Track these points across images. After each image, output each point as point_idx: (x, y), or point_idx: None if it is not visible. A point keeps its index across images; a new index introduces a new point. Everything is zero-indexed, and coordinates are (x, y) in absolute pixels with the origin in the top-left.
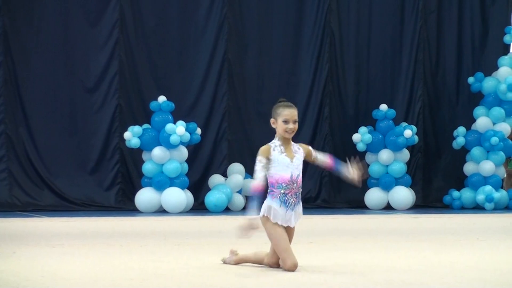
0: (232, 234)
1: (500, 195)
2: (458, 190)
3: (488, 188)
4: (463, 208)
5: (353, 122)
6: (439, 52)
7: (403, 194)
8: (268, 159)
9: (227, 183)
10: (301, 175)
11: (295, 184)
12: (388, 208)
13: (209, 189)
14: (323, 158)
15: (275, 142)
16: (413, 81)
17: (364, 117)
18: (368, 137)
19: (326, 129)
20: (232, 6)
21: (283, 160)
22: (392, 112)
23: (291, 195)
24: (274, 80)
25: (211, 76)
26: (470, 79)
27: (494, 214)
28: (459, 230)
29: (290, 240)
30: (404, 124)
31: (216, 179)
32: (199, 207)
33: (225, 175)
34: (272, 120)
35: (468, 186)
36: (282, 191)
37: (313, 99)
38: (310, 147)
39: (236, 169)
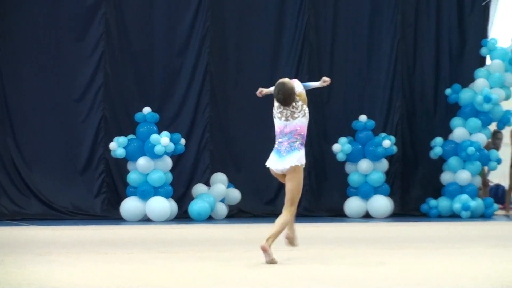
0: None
1: (476, 203)
2: (435, 198)
3: (465, 197)
4: (440, 216)
5: (333, 132)
6: (417, 64)
7: (382, 203)
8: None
9: (210, 192)
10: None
11: (286, 137)
12: (367, 216)
13: (192, 198)
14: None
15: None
16: (391, 93)
17: (343, 127)
18: (347, 147)
19: (306, 139)
20: (214, 21)
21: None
22: (372, 123)
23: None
24: (254, 91)
25: (194, 88)
26: (448, 91)
27: (470, 222)
28: (436, 238)
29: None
30: (383, 134)
31: (199, 188)
32: (182, 216)
33: (208, 184)
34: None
35: (445, 195)
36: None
37: None
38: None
39: (219, 179)
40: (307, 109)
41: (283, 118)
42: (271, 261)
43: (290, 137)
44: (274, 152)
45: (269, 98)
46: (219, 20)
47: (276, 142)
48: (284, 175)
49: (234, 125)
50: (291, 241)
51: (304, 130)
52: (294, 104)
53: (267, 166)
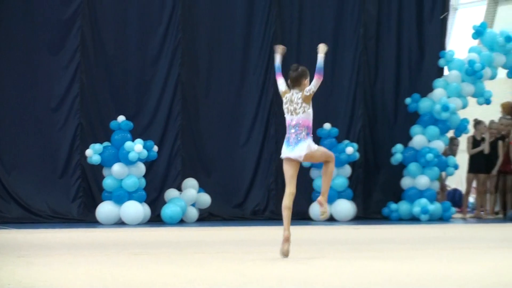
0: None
1: (435, 207)
2: (396, 202)
3: (424, 200)
4: (401, 220)
5: None
6: (378, 75)
7: (345, 207)
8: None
9: (181, 197)
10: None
11: (294, 129)
12: (331, 219)
13: (165, 203)
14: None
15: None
16: (354, 102)
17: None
18: None
19: (272, 147)
20: (185, 32)
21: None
22: (335, 130)
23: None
24: (223, 101)
25: (166, 97)
26: (407, 100)
27: (429, 225)
28: (396, 240)
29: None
30: (346, 141)
31: (171, 193)
32: (155, 219)
33: (179, 189)
34: (306, 80)
35: (405, 199)
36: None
37: (259, 119)
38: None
39: (190, 184)
40: (307, 106)
41: (289, 113)
42: (324, 212)
43: (296, 129)
44: (284, 143)
45: (238, 107)
46: (190, 32)
47: (286, 134)
48: (292, 163)
49: (204, 132)
50: (324, 211)
51: (307, 123)
52: (297, 101)
53: (282, 157)
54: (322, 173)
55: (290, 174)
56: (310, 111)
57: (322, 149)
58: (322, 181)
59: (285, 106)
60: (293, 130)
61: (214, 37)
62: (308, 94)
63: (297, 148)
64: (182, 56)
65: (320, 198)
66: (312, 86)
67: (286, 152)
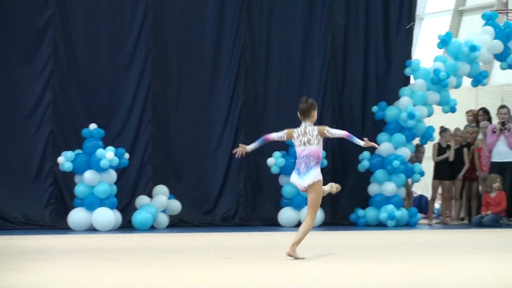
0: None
1: (401, 213)
2: (363, 208)
3: (390, 207)
4: (368, 225)
5: (267, 147)
6: (346, 83)
7: None
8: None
9: (152, 203)
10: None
11: (304, 159)
12: (300, 225)
13: (135, 209)
14: (337, 132)
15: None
16: (322, 110)
17: (277, 142)
18: (281, 161)
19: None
20: (156, 41)
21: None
22: None
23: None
24: (194, 109)
25: (137, 105)
26: (374, 108)
27: (395, 231)
28: (363, 246)
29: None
30: None
31: (142, 199)
32: (126, 226)
33: (150, 196)
34: (315, 111)
35: (372, 205)
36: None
37: (228, 127)
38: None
39: (161, 191)
40: (321, 139)
41: (302, 145)
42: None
43: (307, 159)
44: (295, 171)
45: (208, 115)
46: (161, 40)
47: (297, 163)
48: (305, 191)
49: (175, 139)
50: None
51: (318, 154)
52: (311, 133)
53: (293, 182)
54: (302, 224)
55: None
56: (321, 142)
57: (321, 191)
58: (298, 231)
59: (297, 139)
60: (303, 160)
61: (184, 46)
62: (327, 134)
63: (307, 177)
64: (153, 64)
65: (289, 251)
66: (333, 132)
67: (298, 181)
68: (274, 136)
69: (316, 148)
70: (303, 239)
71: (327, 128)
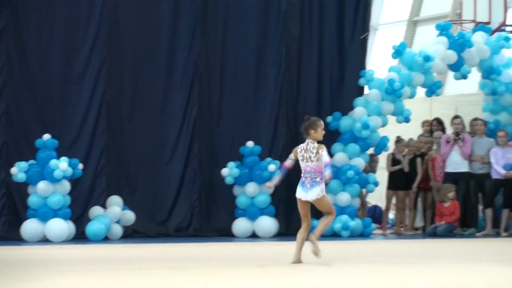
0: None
1: (355, 223)
2: (317, 219)
3: (345, 217)
4: (322, 236)
5: (222, 157)
6: (300, 93)
7: (268, 223)
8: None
9: (106, 214)
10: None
11: (308, 174)
12: (254, 236)
13: (89, 220)
14: (326, 159)
15: (307, 143)
16: (277, 120)
17: (232, 153)
18: (235, 171)
19: (196, 165)
20: (110, 52)
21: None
22: (258, 148)
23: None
24: (148, 119)
25: (91, 116)
26: (329, 118)
27: (349, 241)
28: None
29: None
30: (269, 159)
31: (96, 210)
32: (80, 236)
33: (104, 206)
34: (313, 130)
35: None
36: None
37: (183, 137)
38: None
39: (115, 201)
40: (319, 156)
41: (304, 160)
42: (315, 251)
43: (311, 174)
44: (300, 185)
45: (162, 126)
46: (115, 51)
47: (302, 176)
48: (306, 203)
49: (129, 150)
50: (316, 251)
51: (320, 169)
52: (312, 150)
53: (297, 196)
54: (322, 218)
55: (304, 213)
56: (321, 160)
57: (328, 200)
58: (319, 223)
59: (300, 154)
60: (308, 175)
61: (139, 56)
62: (319, 154)
63: (310, 192)
64: (107, 75)
65: (311, 236)
66: (323, 155)
67: (302, 194)
68: (288, 161)
69: (318, 164)
70: (323, 230)
71: (323, 149)
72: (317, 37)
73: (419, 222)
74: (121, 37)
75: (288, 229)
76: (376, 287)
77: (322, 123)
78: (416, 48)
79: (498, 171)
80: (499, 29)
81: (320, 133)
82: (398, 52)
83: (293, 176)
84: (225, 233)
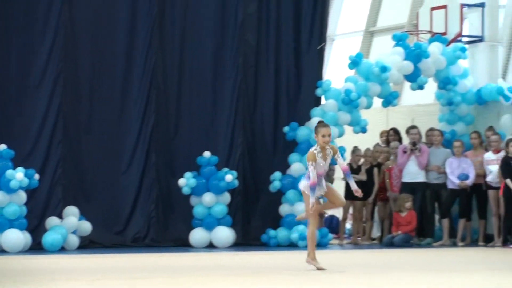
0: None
1: None
2: (275, 229)
3: (302, 227)
4: (279, 246)
5: (179, 167)
6: (257, 103)
7: (225, 233)
8: (315, 161)
9: (62, 224)
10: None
11: (323, 175)
12: (211, 246)
13: (46, 230)
14: (341, 162)
15: (317, 149)
16: (233, 130)
17: (189, 163)
18: (192, 182)
19: (152, 175)
20: (67, 62)
21: (320, 163)
22: (215, 158)
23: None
24: (104, 129)
25: (47, 126)
26: (286, 128)
27: (306, 251)
28: (274, 266)
29: (334, 194)
30: (226, 169)
31: (52, 221)
32: (36, 247)
33: (60, 217)
34: (314, 135)
35: (283, 225)
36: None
37: (140, 147)
38: (337, 149)
39: (71, 212)
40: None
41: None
42: (319, 268)
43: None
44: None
45: (119, 135)
46: (72, 61)
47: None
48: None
49: (86, 160)
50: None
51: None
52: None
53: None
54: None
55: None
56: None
57: (307, 199)
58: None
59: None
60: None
61: (95, 66)
62: (335, 156)
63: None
64: (64, 85)
65: (307, 258)
66: (340, 158)
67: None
68: (311, 175)
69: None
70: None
71: (338, 152)
72: (274, 47)
73: (375, 232)
74: (78, 47)
75: (245, 239)
76: None
77: (322, 129)
78: (373, 58)
79: (453, 181)
80: (455, 39)
81: (320, 139)
82: (354, 63)
83: (250, 187)
84: (182, 243)
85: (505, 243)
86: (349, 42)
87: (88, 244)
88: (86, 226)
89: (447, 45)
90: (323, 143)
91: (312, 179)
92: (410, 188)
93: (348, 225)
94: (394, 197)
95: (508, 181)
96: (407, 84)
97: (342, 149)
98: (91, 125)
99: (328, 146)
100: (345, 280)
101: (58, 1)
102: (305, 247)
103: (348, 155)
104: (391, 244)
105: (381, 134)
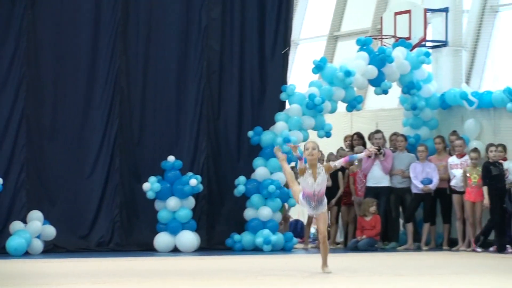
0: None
1: (277, 238)
2: (239, 233)
3: (266, 231)
4: (244, 250)
5: (143, 172)
6: (222, 108)
7: (189, 238)
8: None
9: (26, 229)
10: (323, 189)
11: (316, 197)
12: (176, 250)
13: (9, 235)
14: (338, 164)
15: (306, 165)
16: (198, 135)
17: (153, 167)
18: (157, 186)
19: (117, 179)
20: (30, 66)
21: (308, 181)
22: (179, 163)
23: (313, 201)
24: (68, 134)
25: (11, 130)
26: (250, 133)
27: (271, 255)
28: (239, 270)
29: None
30: (190, 174)
31: (16, 225)
32: (0, 251)
33: (24, 221)
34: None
35: (248, 230)
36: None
37: (104, 152)
38: (329, 164)
39: (35, 216)
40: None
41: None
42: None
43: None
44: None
45: (82, 140)
46: (35, 65)
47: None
48: None
49: (49, 165)
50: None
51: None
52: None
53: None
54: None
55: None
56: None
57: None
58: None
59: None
60: (315, 197)
61: (59, 70)
62: (334, 165)
63: (319, 209)
64: (27, 89)
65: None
66: (335, 164)
67: (312, 212)
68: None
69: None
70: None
71: (331, 164)
72: (238, 52)
73: (339, 237)
74: (41, 51)
75: (209, 243)
76: None
77: (307, 144)
78: (337, 63)
79: (417, 185)
80: (419, 44)
81: (305, 152)
82: (318, 67)
83: (214, 191)
84: (146, 248)
85: (500, 249)
86: (313, 47)
87: (52, 249)
88: (50, 231)
89: (411, 50)
90: (307, 156)
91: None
92: (374, 192)
93: (313, 229)
94: (359, 202)
95: (484, 189)
96: (371, 89)
97: None
98: (55, 129)
99: (320, 165)
100: (309, 285)
101: (21, 5)
102: (271, 251)
103: None
104: (355, 249)
105: (345, 138)
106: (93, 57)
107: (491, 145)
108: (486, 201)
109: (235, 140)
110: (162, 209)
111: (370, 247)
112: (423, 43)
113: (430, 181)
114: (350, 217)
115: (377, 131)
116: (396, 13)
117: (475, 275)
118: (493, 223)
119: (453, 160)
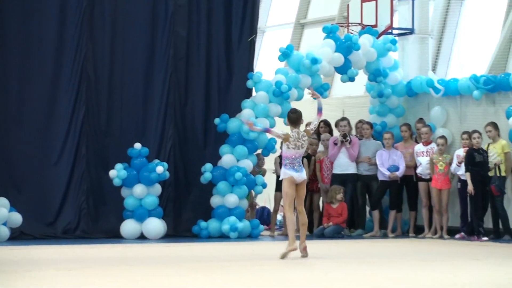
0: None
1: (244, 225)
2: (206, 220)
3: (233, 218)
4: (210, 237)
5: (110, 159)
6: (188, 95)
7: (156, 225)
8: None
9: None
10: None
11: (298, 159)
12: (142, 237)
13: None
14: (315, 120)
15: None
16: (164, 122)
17: (120, 155)
18: (123, 173)
19: (83, 166)
20: None
21: (295, 143)
22: (146, 150)
23: (296, 164)
24: (34, 121)
25: None
26: (217, 120)
27: (238, 242)
28: (205, 257)
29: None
30: (157, 161)
31: None
32: None
33: None
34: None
35: (214, 217)
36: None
37: (70, 139)
38: (307, 129)
39: (1, 203)
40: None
41: (296, 148)
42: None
43: (298, 160)
44: (289, 169)
45: (48, 126)
46: (1, 52)
47: (289, 162)
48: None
49: (15, 151)
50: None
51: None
52: (303, 138)
53: (293, 177)
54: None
55: (292, 194)
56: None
57: None
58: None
59: (292, 143)
60: (296, 161)
61: (24, 57)
62: (312, 130)
63: (302, 174)
64: None
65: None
66: (315, 123)
67: (297, 176)
68: (274, 131)
69: (303, 150)
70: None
71: (310, 126)
72: (205, 39)
73: None
74: (7, 38)
75: (176, 230)
76: (261, 286)
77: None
78: (303, 50)
79: (384, 173)
80: (385, 32)
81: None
82: (285, 55)
83: (181, 178)
84: (113, 235)
85: (471, 235)
86: (280, 34)
87: (18, 236)
88: (17, 218)
89: (378, 38)
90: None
91: (273, 129)
92: (341, 179)
93: (279, 216)
94: (325, 189)
95: (467, 175)
96: (338, 76)
97: (272, 141)
98: (21, 116)
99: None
100: (276, 271)
101: None
102: (237, 238)
103: (278, 147)
104: (322, 236)
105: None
106: (59, 45)
107: (474, 131)
108: (470, 187)
109: (201, 127)
110: (128, 196)
111: (336, 234)
112: (389, 30)
113: (397, 169)
114: (315, 204)
115: (343, 119)
116: (363, 1)
117: (443, 261)
118: (478, 210)
119: (419, 147)
